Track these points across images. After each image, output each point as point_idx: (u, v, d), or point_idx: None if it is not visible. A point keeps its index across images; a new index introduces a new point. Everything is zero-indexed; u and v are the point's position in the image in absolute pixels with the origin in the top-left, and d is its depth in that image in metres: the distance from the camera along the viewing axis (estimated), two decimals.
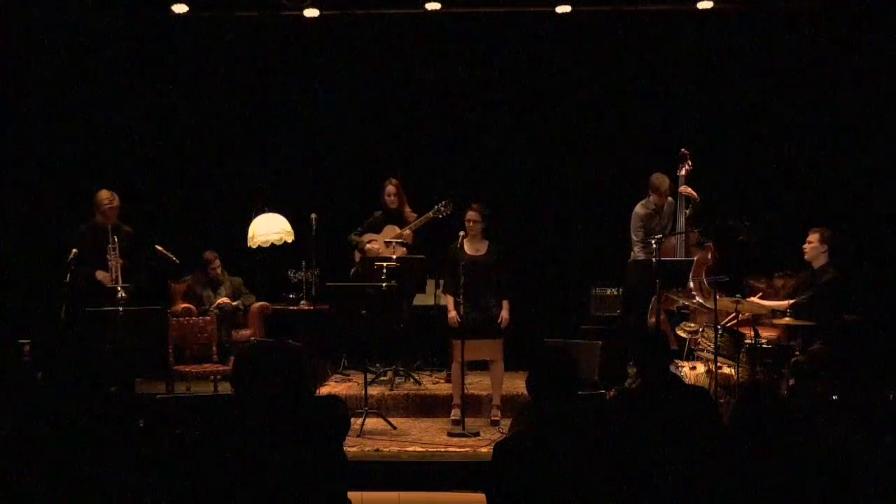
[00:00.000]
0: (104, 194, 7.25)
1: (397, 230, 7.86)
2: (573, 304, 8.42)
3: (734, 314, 6.80)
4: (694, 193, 7.55)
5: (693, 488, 3.22)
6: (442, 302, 7.36)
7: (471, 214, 6.89)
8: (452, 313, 6.86)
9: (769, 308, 6.85)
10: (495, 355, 6.87)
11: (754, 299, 6.82)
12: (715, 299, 6.53)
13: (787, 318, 6.72)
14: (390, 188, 7.92)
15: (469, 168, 8.88)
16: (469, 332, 6.69)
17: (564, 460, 3.19)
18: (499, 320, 6.84)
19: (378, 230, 7.99)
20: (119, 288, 6.91)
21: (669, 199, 7.61)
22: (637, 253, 7.59)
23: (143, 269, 7.38)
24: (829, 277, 6.66)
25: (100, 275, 7.13)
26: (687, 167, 7.55)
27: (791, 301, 6.78)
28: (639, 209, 7.65)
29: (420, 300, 8.07)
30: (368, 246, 7.91)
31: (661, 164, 7.63)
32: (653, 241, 7.15)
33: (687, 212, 7.54)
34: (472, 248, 6.92)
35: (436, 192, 7.94)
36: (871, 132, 8.47)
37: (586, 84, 8.84)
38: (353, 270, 7.99)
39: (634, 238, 7.63)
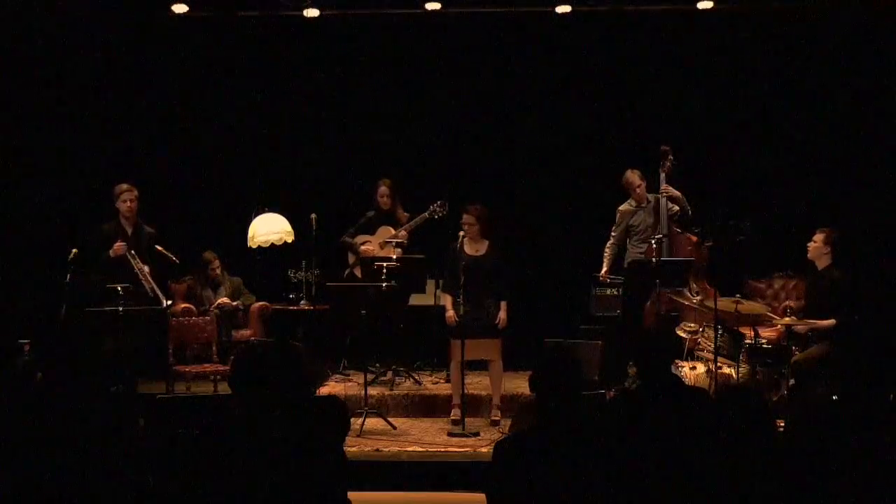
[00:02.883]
0: (124, 186, 7.23)
1: (391, 231, 7.86)
2: (573, 304, 8.41)
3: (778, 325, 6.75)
4: (675, 192, 7.55)
5: (692, 488, 3.22)
6: (442, 302, 7.36)
7: (466, 217, 6.89)
8: (450, 312, 6.87)
9: (821, 327, 6.59)
10: (493, 355, 6.87)
11: (800, 325, 6.69)
12: (715, 299, 6.53)
13: (787, 318, 6.71)
14: (383, 189, 7.92)
15: (468, 168, 8.87)
16: (467, 331, 6.69)
17: (564, 460, 3.20)
18: (496, 321, 6.84)
19: (371, 231, 7.98)
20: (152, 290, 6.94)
21: (654, 195, 7.60)
22: (605, 249, 7.70)
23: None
24: (839, 280, 6.61)
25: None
26: (668, 164, 7.55)
27: (832, 322, 6.54)
28: (622, 207, 7.75)
29: (420, 300, 8.06)
30: (363, 248, 7.91)
31: (658, 163, 7.63)
32: (652, 241, 7.16)
33: (675, 208, 7.54)
34: (471, 248, 6.93)
35: (433, 193, 7.94)
36: (872, 132, 8.47)
37: (586, 84, 8.83)
38: (346, 272, 7.99)
39: (612, 234, 7.70)
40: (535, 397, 3.46)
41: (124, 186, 7.23)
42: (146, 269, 7.05)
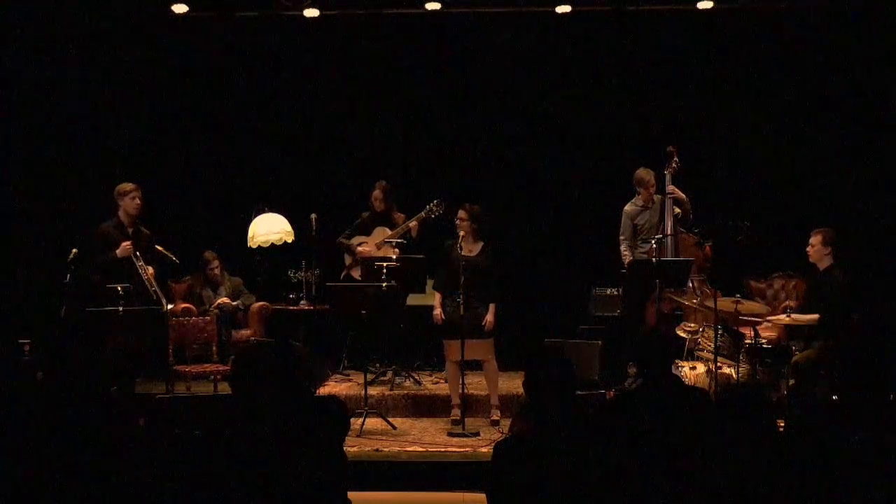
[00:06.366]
0: (130, 185, 7.18)
1: (387, 231, 7.86)
2: (573, 304, 8.41)
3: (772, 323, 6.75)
4: (681, 194, 7.55)
5: (693, 488, 3.22)
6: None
7: (460, 214, 6.92)
8: (437, 311, 6.91)
9: (803, 322, 6.63)
10: (486, 355, 6.86)
11: (782, 316, 6.72)
12: (715, 299, 6.52)
13: (786, 318, 6.70)
14: (377, 192, 7.93)
15: (468, 168, 8.87)
16: (458, 331, 6.69)
17: (564, 460, 3.20)
18: (483, 322, 6.83)
19: (367, 233, 7.98)
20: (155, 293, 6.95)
21: (659, 196, 7.60)
22: (623, 251, 7.64)
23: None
24: (842, 279, 6.60)
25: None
26: (674, 165, 7.55)
27: (817, 316, 6.57)
28: (627, 207, 7.71)
29: (420, 300, 8.05)
30: (360, 249, 7.91)
31: (658, 164, 7.63)
32: (653, 241, 7.16)
33: (677, 210, 7.53)
34: (465, 248, 6.94)
35: (433, 193, 7.94)
36: (872, 132, 8.47)
37: (586, 84, 8.83)
38: (343, 274, 7.99)
39: (621, 237, 7.67)
40: (528, 398, 3.46)
41: (130, 186, 7.16)
42: (150, 269, 7.04)
